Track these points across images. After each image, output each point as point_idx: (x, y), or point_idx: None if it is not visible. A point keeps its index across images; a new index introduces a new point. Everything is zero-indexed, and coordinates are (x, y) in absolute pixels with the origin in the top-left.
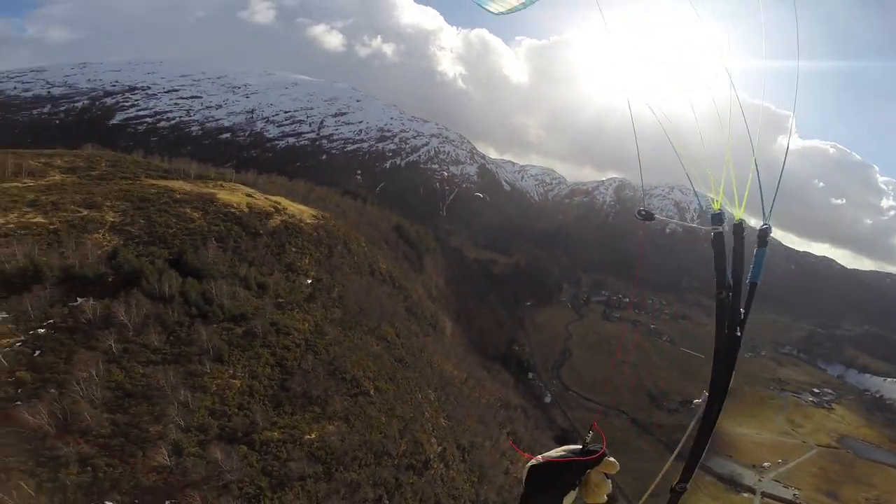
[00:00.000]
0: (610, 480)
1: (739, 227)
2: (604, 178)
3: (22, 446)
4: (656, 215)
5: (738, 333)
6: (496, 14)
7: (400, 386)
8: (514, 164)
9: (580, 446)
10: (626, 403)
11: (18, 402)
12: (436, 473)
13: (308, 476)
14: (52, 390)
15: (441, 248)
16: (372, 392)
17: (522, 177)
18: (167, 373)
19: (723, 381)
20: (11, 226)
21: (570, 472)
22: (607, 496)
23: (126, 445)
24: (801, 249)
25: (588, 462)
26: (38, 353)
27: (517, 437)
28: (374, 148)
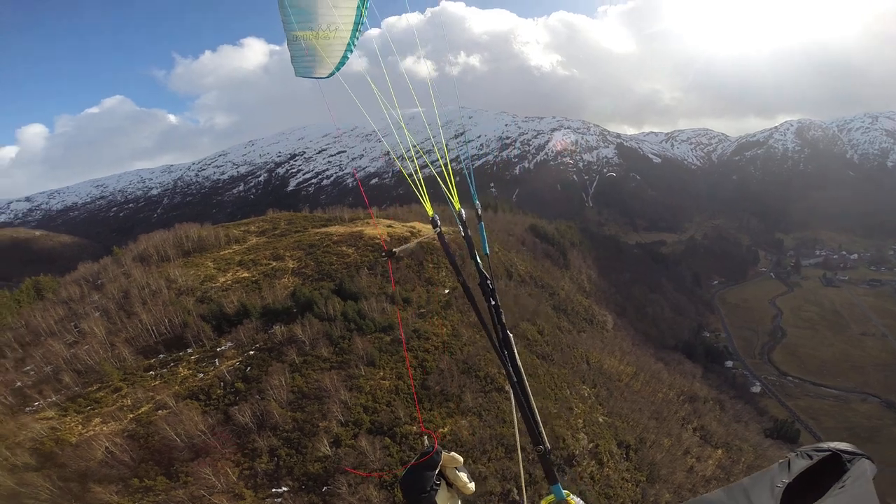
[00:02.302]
0: (465, 472)
1: (460, 214)
2: (776, 124)
3: (235, 440)
4: (395, 250)
5: (494, 302)
6: (327, 77)
7: (542, 382)
8: (657, 134)
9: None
10: (874, 384)
11: (236, 406)
12: (584, 471)
13: None
14: (257, 396)
15: (592, 240)
16: (507, 388)
17: (672, 145)
18: (332, 377)
19: (508, 348)
20: (229, 281)
21: (422, 475)
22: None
23: (301, 438)
24: None
25: (432, 462)
26: (248, 368)
27: (708, 432)
28: (499, 158)
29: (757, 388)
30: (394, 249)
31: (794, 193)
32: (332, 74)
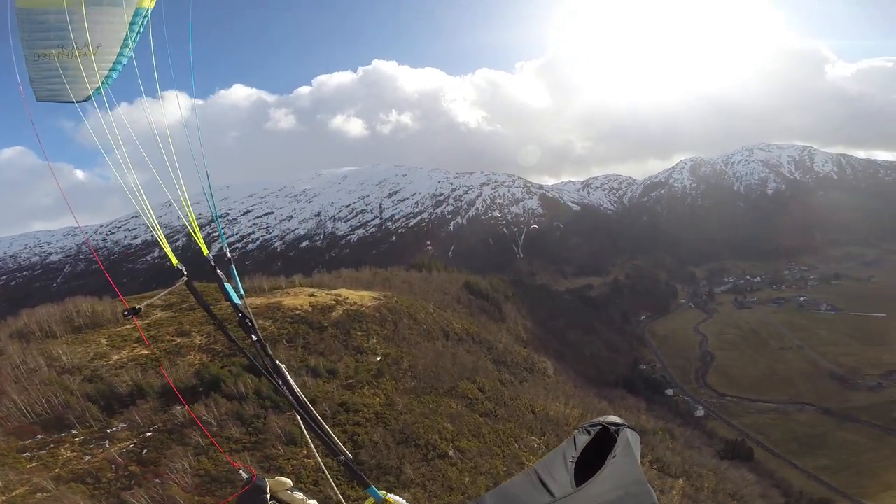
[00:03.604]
0: (299, 492)
1: (208, 259)
2: (674, 164)
3: None
4: (139, 307)
5: (257, 338)
6: (81, 101)
7: (487, 440)
8: (574, 182)
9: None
10: (806, 394)
11: (130, 490)
12: None
13: None
14: (157, 480)
15: (525, 291)
16: (451, 453)
17: (588, 192)
18: (245, 459)
19: (281, 376)
20: (123, 360)
21: (254, 500)
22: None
23: None
24: None
25: (258, 487)
26: (144, 451)
27: (664, 463)
28: (434, 215)
29: (701, 413)
30: (137, 306)
31: (697, 228)
32: (88, 98)
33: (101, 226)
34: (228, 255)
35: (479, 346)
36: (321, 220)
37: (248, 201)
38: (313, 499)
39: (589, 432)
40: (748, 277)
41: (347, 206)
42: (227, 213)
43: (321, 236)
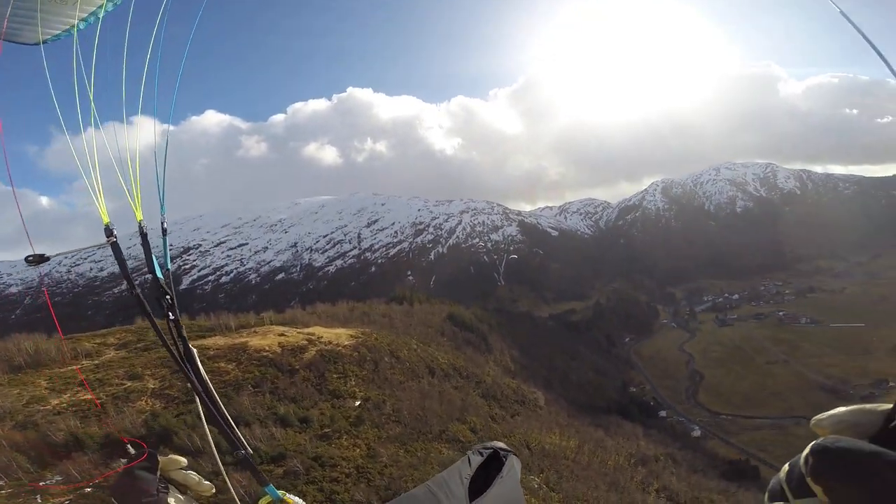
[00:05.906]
0: (192, 472)
1: (140, 225)
2: (646, 186)
3: None
4: (47, 255)
5: (174, 317)
6: (37, 43)
7: None
8: (551, 208)
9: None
10: (799, 407)
11: None
12: None
13: None
14: None
15: (509, 319)
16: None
17: (565, 217)
18: None
19: (191, 362)
20: (64, 405)
21: (142, 477)
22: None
23: None
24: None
25: (149, 464)
26: None
27: (672, 491)
28: (414, 244)
29: (697, 433)
30: (46, 254)
31: (672, 248)
32: (46, 41)
33: (66, 256)
34: (165, 225)
35: (466, 381)
36: (297, 251)
37: (221, 231)
38: (208, 481)
39: (482, 454)
40: (726, 295)
41: (325, 237)
42: (200, 245)
43: (298, 268)
